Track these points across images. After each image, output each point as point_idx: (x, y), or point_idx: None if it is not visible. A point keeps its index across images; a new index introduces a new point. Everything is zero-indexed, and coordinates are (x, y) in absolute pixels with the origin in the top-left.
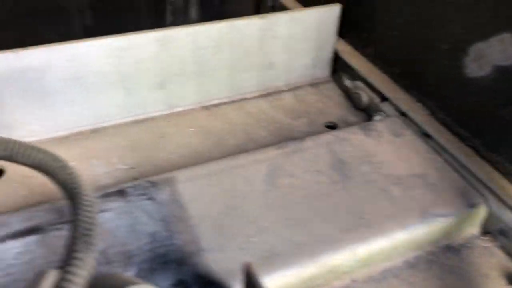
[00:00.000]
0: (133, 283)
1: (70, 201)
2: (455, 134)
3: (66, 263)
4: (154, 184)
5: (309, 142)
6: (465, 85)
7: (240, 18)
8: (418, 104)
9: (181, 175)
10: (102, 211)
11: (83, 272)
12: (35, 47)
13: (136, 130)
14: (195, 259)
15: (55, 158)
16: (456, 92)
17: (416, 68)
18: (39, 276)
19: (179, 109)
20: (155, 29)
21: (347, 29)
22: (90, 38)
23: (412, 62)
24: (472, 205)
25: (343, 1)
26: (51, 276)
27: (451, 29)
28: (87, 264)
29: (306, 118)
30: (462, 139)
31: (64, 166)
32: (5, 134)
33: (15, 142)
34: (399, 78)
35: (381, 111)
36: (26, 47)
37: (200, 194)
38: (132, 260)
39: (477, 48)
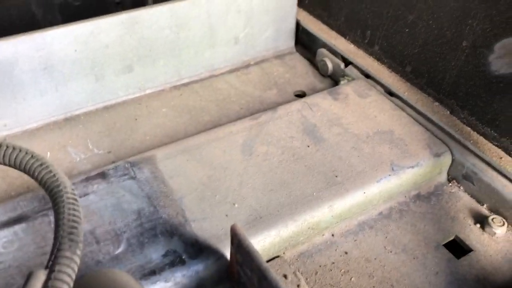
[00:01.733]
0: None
1: (51, 199)
2: (420, 89)
3: (53, 262)
4: (134, 164)
5: (280, 111)
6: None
7: None
8: (381, 65)
9: (160, 153)
10: (85, 194)
11: (69, 270)
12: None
13: (109, 115)
14: (183, 230)
15: (33, 156)
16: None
17: (388, 33)
18: (29, 276)
19: (149, 91)
20: (119, 12)
21: None
22: (55, 26)
23: (389, 28)
24: (437, 154)
25: None
26: (40, 276)
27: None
28: (74, 262)
29: (275, 89)
30: (423, 91)
31: (42, 164)
32: None
33: None
34: (362, 42)
35: (346, 75)
36: None
37: (180, 169)
38: (120, 237)
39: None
